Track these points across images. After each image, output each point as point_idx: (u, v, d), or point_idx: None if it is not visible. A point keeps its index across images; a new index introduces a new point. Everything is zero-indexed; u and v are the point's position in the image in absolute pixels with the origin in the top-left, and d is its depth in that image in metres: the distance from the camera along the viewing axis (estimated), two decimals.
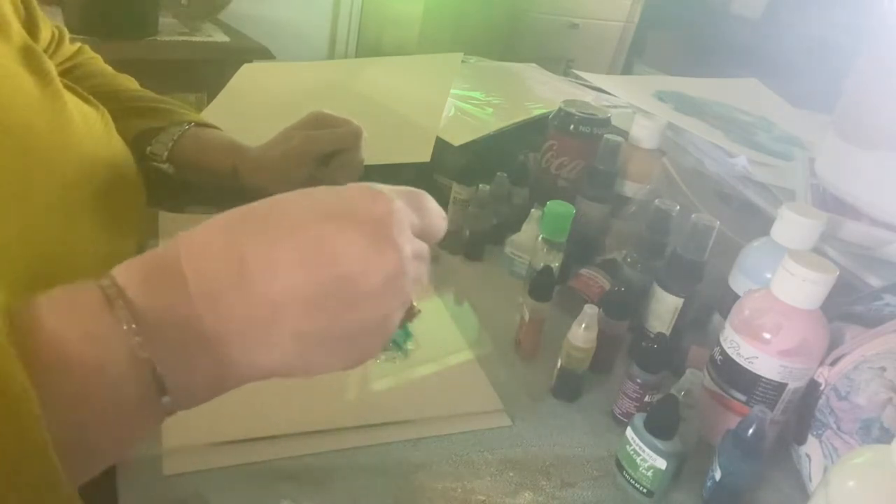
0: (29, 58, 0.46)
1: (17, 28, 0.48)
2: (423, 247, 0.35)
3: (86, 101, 0.53)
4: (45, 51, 0.62)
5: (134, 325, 0.27)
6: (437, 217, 0.37)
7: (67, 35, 0.69)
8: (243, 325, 0.29)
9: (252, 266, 0.29)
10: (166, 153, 0.67)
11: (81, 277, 0.29)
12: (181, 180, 0.73)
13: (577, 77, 1.08)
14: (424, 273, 0.35)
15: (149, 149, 0.66)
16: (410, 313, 0.37)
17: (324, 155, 0.71)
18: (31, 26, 0.56)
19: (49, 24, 0.63)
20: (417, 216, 0.35)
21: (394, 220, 0.32)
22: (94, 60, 0.73)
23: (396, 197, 0.33)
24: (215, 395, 0.31)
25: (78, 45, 0.71)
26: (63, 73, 0.66)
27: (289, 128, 0.72)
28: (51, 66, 0.48)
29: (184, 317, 0.29)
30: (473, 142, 0.80)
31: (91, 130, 0.51)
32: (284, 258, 0.30)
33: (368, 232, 0.31)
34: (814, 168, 0.72)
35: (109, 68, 0.74)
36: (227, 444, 0.45)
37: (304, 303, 0.30)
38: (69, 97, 0.49)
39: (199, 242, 0.30)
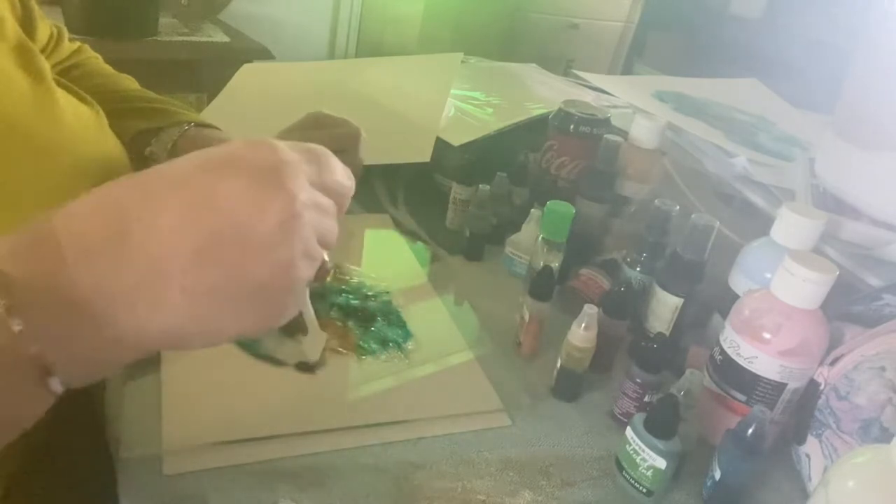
0: (23, 56, 0.46)
1: (12, 25, 0.48)
2: (326, 200, 0.34)
3: (81, 99, 0.52)
4: (44, 49, 0.62)
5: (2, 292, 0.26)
6: (341, 173, 0.35)
7: (67, 34, 0.69)
8: (125, 284, 0.28)
9: (131, 223, 0.28)
10: (165, 154, 0.67)
11: None
12: None
13: (577, 77, 1.08)
14: (331, 228, 0.34)
15: (148, 149, 0.66)
16: (323, 271, 0.35)
17: None
18: (27, 24, 0.56)
19: (47, 23, 0.63)
20: (315, 169, 0.33)
21: (281, 165, 0.31)
22: (94, 60, 0.73)
23: (291, 150, 0.32)
24: (109, 365, 0.30)
25: (77, 44, 0.71)
26: (62, 73, 0.65)
27: (287, 128, 0.72)
28: (45, 65, 0.47)
29: (59, 282, 0.27)
30: (473, 142, 0.80)
31: (84, 129, 0.51)
32: (165, 212, 0.28)
33: (254, 177, 0.30)
34: (814, 168, 0.72)
35: (109, 68, 0.74)
36: (227, 444, 0.45)
37: (192, 256, 0.28)
38: (62, 95, 0.49)
39: (74, 208, 0.29)
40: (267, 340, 0.54)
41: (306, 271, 0.32)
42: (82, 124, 0.50)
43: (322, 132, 0.71)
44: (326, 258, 0.35)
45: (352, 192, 0.36)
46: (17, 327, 0.26)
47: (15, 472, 0.48)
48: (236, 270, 0.29)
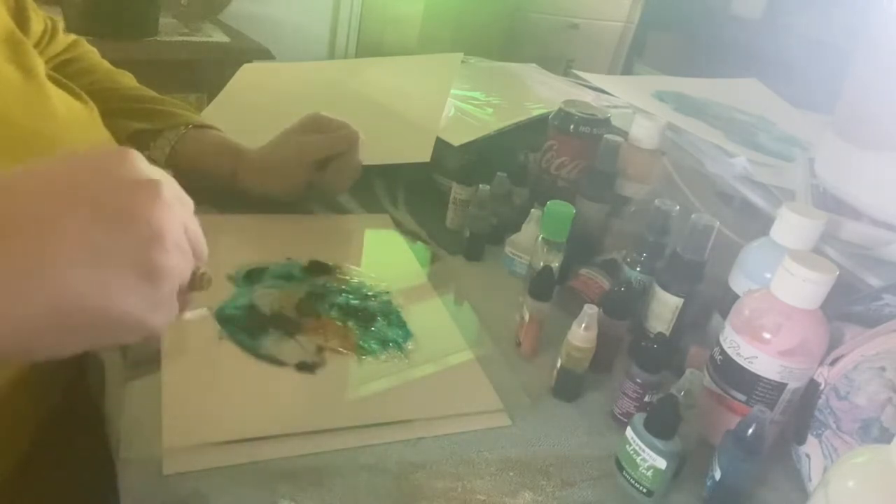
0: (14, 49, 0.46)
1: (3, 17, 0.48)
2: (185, 201, 0.35)
3: (74, 95, 0.52)
4: (38, 43, 0.62)
5: None
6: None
7: (61, 26, 0.68)
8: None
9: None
10: (163, 160, 0.66)
11: None
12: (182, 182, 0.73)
13: (577, 77, 1.08)
14: (192, 225, 0.35)
15: (146, 153, 0.66)
16: (196, 278, 0.36)
17: (321, 159, 0.71)
18: (20, 16, 0.56)
19: (41, 16, 0.63)
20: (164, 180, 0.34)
21: (123, 156, 0.32)
22: (91, 54, 0.73)
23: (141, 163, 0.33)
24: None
25: (73, 37, 0.71)
26: (58, 66, 0.65)
27: (286, 131, 0.72)
28: (37, 60, 0.47)
29: None
30: (473, 142, 0.80)
31: (76, 124, 0.50)
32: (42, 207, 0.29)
33: (99, 157, 0.31)
34: (814, 168, 0.72)
35: (106, 63, 0.74)
36: (227, 443, 0.45)
37: (74, 243, 0.29)
38: (54, 91, 0.48)
39: None
40: (267, 340, 0.54)
41: (183, 264, 0.33)
42: (74, 119, 0.50)
43: (319, 136, 0.71)
44: (199, 264, 0.36)
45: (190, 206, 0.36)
46: None
47: (15, 473, 0.48)
48: (115, 239, 0.30)
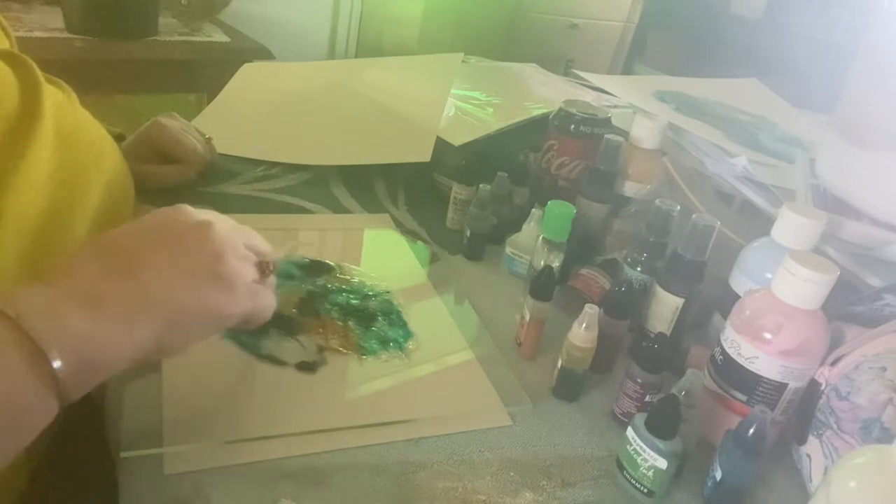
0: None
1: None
2: (240, 228, 0.46)
3: (54, 84, 0.54)
4: None
5: None
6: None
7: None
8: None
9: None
10: None
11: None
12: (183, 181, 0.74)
13: (578, 77, 1.08)
14: (249, 238, 0.46)
15: None
16: (266, 268, 0.46)
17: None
18: None
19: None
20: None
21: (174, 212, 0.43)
22: None
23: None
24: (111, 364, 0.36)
25: None
26: None
27: (129, 143, 0.72)
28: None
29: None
30: (473, 142, 0.80)
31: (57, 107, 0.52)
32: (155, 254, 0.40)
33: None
34: (814, 168, 0.72)
35: None
36: (228, 444, 0.45)
37: (167, 268, 0.39)
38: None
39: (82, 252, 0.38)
40: (267, 340, 0.54)
41: (247, 267, 0.44)
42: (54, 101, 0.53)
43: (159, 169, 0.73)
44: (263, 259, 0.46)
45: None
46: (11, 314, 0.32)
47: (23, 482, 0.48)
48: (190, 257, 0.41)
